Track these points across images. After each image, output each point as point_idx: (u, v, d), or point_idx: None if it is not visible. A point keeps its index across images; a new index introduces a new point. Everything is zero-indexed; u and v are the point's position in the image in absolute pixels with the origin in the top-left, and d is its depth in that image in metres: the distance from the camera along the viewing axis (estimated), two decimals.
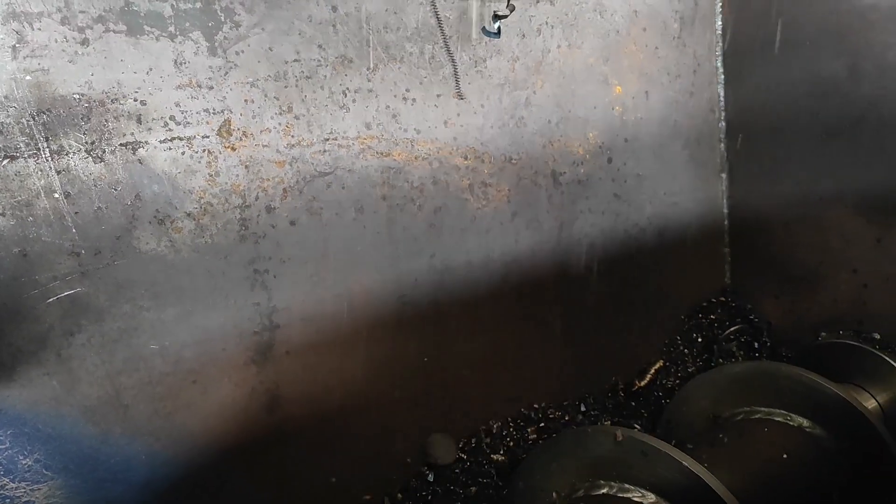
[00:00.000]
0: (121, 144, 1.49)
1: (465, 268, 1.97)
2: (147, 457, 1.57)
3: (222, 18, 1.57)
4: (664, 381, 2.31)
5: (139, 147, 1.51)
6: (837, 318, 2.26)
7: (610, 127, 2.18)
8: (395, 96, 1.81)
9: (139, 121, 1.50)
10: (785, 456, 1.86)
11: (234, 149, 1.61)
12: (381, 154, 1.81)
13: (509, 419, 2.08)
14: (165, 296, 1.57)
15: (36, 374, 1.45)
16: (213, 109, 1.58)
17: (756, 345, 2.40)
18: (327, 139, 1.73)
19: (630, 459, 1.66)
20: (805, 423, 1.94)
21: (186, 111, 1.55)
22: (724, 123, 2.44)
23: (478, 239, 1.98)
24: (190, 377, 1.61)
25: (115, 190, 1.49)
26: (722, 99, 2.42)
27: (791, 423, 1.94)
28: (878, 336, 2.17)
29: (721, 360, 2.36)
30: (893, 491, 1.90)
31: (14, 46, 1.36)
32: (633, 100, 2.21)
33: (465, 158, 1.94)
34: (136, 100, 1.49)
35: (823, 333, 2.29)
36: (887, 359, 2.11)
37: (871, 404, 2.12)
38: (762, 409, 1.99)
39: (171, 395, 1.59)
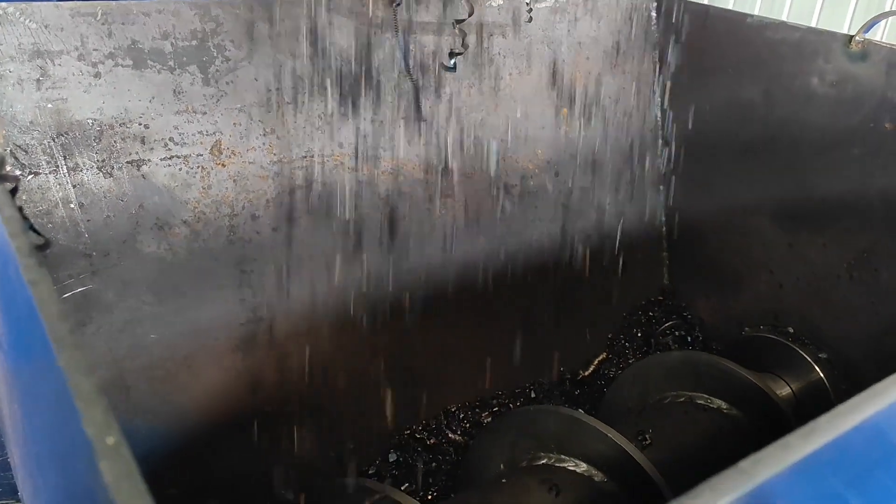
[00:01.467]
0: (127, 162, 1.74)
1: (426, 269, 2.24)
2: (146, 432, 1.82)
3: (215, 53, 1.82)
4: (606, 371, 2.59)
5: (143, 164, 1.76)
6: (758, 314, 2.55)
7: (557, 144, 2.46)
8: (364, 119, 2.07)
9: (143, 142, 1.75)
10: (703, 431, 2.14)
11: (224, 165, 1.87)
12: (352, 169, 2.07)
13: (467, 403, 2.34)
14: (164, 292, 1.82)
15: None
16: (207, 131, 1.84)
17: (689, 339, 2.68)
18: (305, 157, 1.99)
19: (566, 434, 1.93)
20: (723, 405, 2.23)
21: (183, 133, 1.80)
22: (661, 140, 2.73)
23: (438, 243, 2.25)
24: (185, 363, 1.86)
25: (122, 201, 1.74)
26: (659, 119, 2.71)
27: (710, 405, 2.22)
28: (791, 330, 2.46)
29: (658, 353, 2.64)
30: None
31: (38, 79, 1.61)
32: (577, 120, 2.50)
33: (427, 173, 2.21)
34: (140, 124, 1.75)
35: (747, 328, 2.58)
36: (799, 350, 2.40)
37: (785, 391, 2.41)
38: (687, 393, 2.27)
39: (168, 378, 1.84)
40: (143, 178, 1.76)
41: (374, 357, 2.18)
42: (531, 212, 2.44)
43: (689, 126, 2.66)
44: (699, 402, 2.25)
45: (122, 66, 1.71)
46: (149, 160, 1.77)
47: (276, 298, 1.98)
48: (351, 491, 1.70)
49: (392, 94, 2.11)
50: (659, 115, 2.70)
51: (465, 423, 2.29)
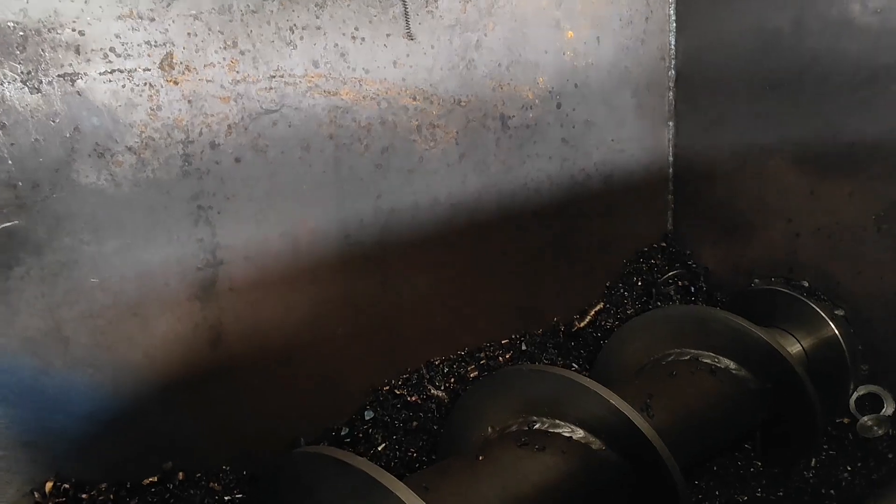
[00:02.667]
0: (58, 75, 1.46)
1: (412, 209, 2.00)
2: (88, 388, 1.59)
3: None
4: (603, 323, 2.39)
5: (77, 78, 1.48)
6: (770, 265, 2.35)
7: (560, 72, 2.20)
8: (343, 34, 1.79)
9: (77, 52, 1.47)
10: (710, 396, 1.96)
11: (176, 83, 1.59)
12: (329, 93, 1.80)
13: (451, 356, 2.14)
14: (106, 230, 1.56)
15: None
16: (155, 42, 1.55)
17: (693, 289, 2.49)
18: (273, 76, 1.71)
19: (562, 397, 1.73)
20: (732, 364, 2.04)
21: (127, 43, 1.52)
22: (673, 72, 2.47)
23: (424, 180, 2.00)
24: (131, 311, 1.62)
25: (53, 122, 1.47)
26: (672, 47, 2.44)
27: (718, 365, 2.04)
28: (806, 284, 2.26)
29: (659, 303, 2.44)
30: (810, 430, 2.03)
31: None
32: (584, 45, 2.22)
33: (414, 99, 1.94)
34: (74, 30, 1.46)
35: (756, 280, 2.38)
36: (813, 305, 2.22)
37: (795, 349, 2.23)
38: (692, 350, 2.08)
39: (111, 329, 1.61)
40: (79, 95, 1.49)
41: (350, 304, 1.95)
42: (529, 147, 2.18)
43: (706, 56, 2.39)
44: (705, 360, 2.06)
45: None
46: (85, 74, 1.49)
47: (239, 239, 1.74)
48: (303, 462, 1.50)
49: (377, 7, 1.83)
50: (672, 41, 2.43)
51: (450, 378, 2.09)
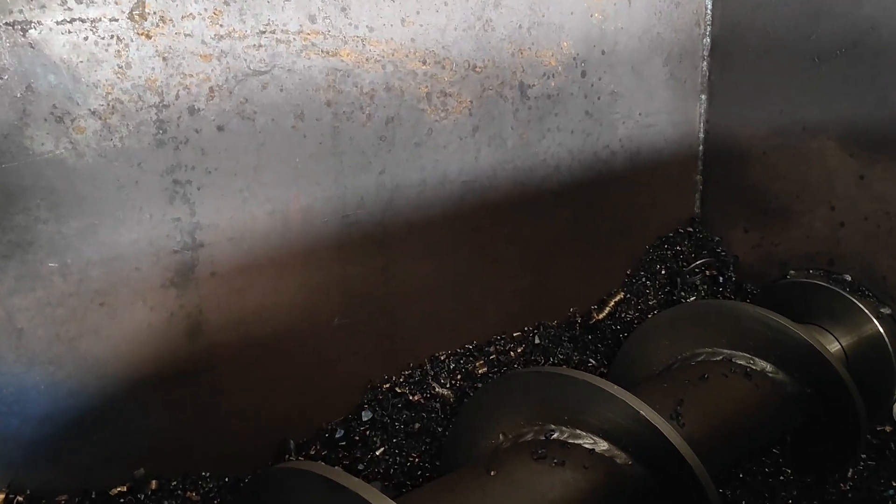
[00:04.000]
0: (6, 23, 1.23)
1: (418, 186, 1.78)
2: (47, 387, 1.39)
3: None
4: (623, 315, 2.19)
5: (30, 28, 1.25)
6: (808, 255, 2.15)
7: (587, 36, 1.97)
8: None
9: None
10: (746, 402, 1.77)
11: (149, 36, 1.37)
12: (327, 53, 1.57)
13: (458, 350, 1.94)
14: (66, 206, 1.35)
15: None
16: None
17: (721, 279, 2.28)
18: (263, 32, 1.49)
19: (583, 404, 1.53)
20: (768, 367, 1.85)
21: None
22: (708, 39, 2.24)
23: (434, 154, 1.79)
24: (97, 299, 1.41)
25: (1, 79, 1.24)
26: (709, 12, 2.21)
27: (754, 368, 1.84)
28: (848, 278, 2.06)
29: (684, 294, 2.24)
30: (852, 439, 1.84)
31: None
32: (614, 7, 1.99)
33: (424, 63, 1.71)
34: None
35: (792, 272, 2.18)
36: (856, 301, 2.02)
37: (834, 347, 2.04)
38: (724, 350, 1.88)
39: (74, 319, 1.40)
40: (31, 47, 1.26)
41: (347, 292, 1.74)
42: (549, 119, 1.96)
43: (744, 23, 2.16)
44: (739, 362, 1.87)
45: None
46: (39, 23, 1.26)
47: (222, 218, 1.52)
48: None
49: None
50: (709, 5, 2.20)
51: (456, 374, 1.89)
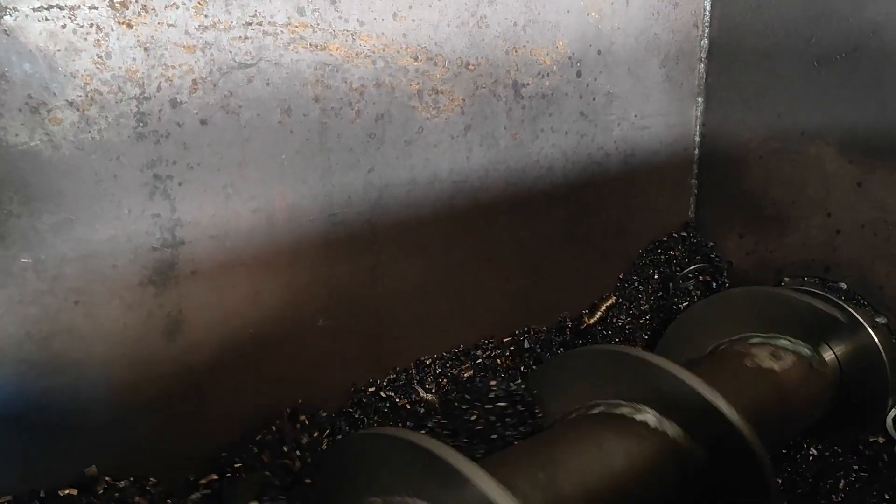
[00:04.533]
0: None
1: (408, 185, 1.74)
2: (18, 388, 1.34)
3: None
4: (615, 319, 2.16)
5: (5, 14, 1.20)
6: (804, 263, 2.11)
7: (583, 35, 1.93)
8: None
9: None
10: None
11: (130, 26, 1.32)
12: (316, 47, 1.53)
13: (445, 353, 1.90)
14: (41, 200, 1.30)
15: None
16: None
17: (714, 285, 2.25)
18: (250, 23, 1.44)
19: (648, 383, 1.55)
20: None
21: None
22: (706, 41, 2.20)
23: (424, 153, 1.74)
24: (71, 297, 1.36)
25: None
26: (708, 13, 2.17)
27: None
28: (844, 286, 2.03)
29: (676, 299, 2.20)
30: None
31: None
32: (611, 6, 1.95)
33: (416, 59, 1.67)
34: None
35: (786, 279, 2.15)
36: (851, 311, 1.98)
37: (828, 356, 2.00)
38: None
39: (47, 317, 1.35)
40: (6, 34, 1.21)
41: (332, 292, 1.70)
42: (543, 120, 1.92)
43: (743, 24, 2.13)
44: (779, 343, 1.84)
45: None
46: (14, 9, 1.21)
47: (204, 215, 1.47)
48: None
49: None
50: (707, 6, 2.16)
51: (442, 379, 1.85)
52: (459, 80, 1.74)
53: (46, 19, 1.24)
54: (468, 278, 1.92)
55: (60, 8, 1.25)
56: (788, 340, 1.86)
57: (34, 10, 1.23)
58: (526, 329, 2.04)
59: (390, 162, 1.69)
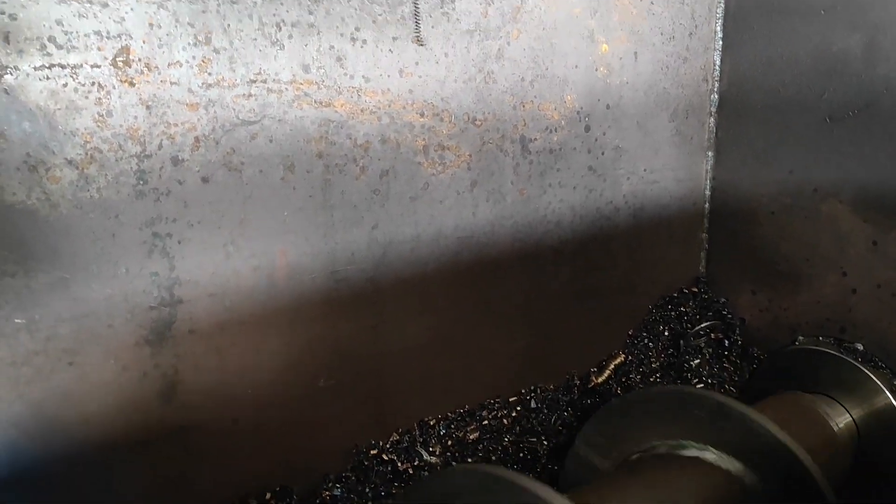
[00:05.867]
0: None
1: (412, 242, 1.71)
2: (8, 452, 1.30)
3: None
4: (624, 378, 2.10)
5: (5, 73, 1.19)
6: (819, 322, 2.06)
7: (591, 90, 1.91)
8: (341, 35, 1.50)
9: (6, 40, 1.18)
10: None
11: (132, 84, 1.30)
12: (321, 103, 1.51)
13: (449, 414, 1.84)
14: (37, 259, 1.27)
15: None
16: (108, 33, 1.27)
17: (726, 343, 2.19)
18: (254, 81, 1.43)
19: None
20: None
21: (71, 32, 1.23)
22: (716, 95, 2.18)
23: (429, 209, 1.71)
24: (65, 358, 1.33)
25: None
26: (717, 67, 2.16)
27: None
28: (860, 347, 1.97)
29: (688, 357, 2.15)
30: None
31: None
32: (620, 60, 1.93)
33: (421, 115, 1.65)
34: (3, 12, 1.17)
35: (801, 337, 2.09)
36: (867, 372, 1.92)
37: (844, 419, 1.94)
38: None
39: (40, 379, 1.31)
40: (6, 93, 1.20)
41: (334, 351, 1.66)
42: (551, 174, 1.89)
43: (754, 79, 2.11)
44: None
45: None
46: (15, 68, 1.20)
47: (203, 273, 1.44)
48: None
49: (383, 4, 1.54)
50: (717, 61, 2.15)
51: (446, 440, 1.80)
52: (466, 135, 1.72)
53: (48, 78, 1.23)
54: (473, 336, 1.87)
55: (62, 66, 1.24)
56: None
57: (35, 68, 1.21)
58: (532, 388, 1.99)
59: (395, 218, 1.66)
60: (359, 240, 1.62)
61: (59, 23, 1.22)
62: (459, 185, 1.74)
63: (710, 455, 1.54)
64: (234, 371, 1.52)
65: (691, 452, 1.57)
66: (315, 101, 1.50)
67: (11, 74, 1.20)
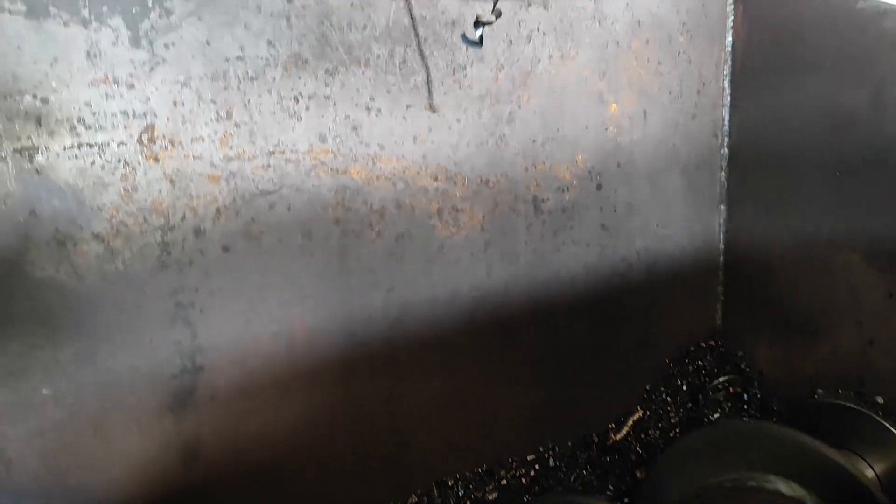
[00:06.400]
0: (14, 150, 1.23)
1: (428, 304, 1.73)
2: None
3: (150, 4, 1.31)
4: (643, 435, 2.09)
5: (37, 153, 1.25)
6: (838, 374, 2.05)
7: (602, 149, 1.95)
8: (356, 105, 1.56)
9: (39, 122, 1.24)
10: None
11: (157, 159, 1.36)
12: (337, 171, 1.56)
13: (467, 474, 1.85)
14: (64, 331, 1.31)
15: None
16: (134, 112, 1.32)
17: (745, 396, 2.18)
18: (273, 152, 1.47)
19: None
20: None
21: (99, 113, 1.29)
22: (726, 150, 2.21)
23: (445, 271, 1.74)
24: (90, 427, 1.36)
25: (5, 204, 1.23)
26: (726, 123, 2.19)
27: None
28: (881, 400, 1.95)
29: (707, 411, 2.14)
30: None
31: None
32: (629, 120, 1.98)
33: (435, 179, 1.69)
34: (35, 97, 1.23)
35: (820, 390, 2.07)
36: (889, 426, 1.90)
37: (868, 474, 1.92)
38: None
39: (66, 449, 1.34)
40: (38, 173, 1.25)
41: (352, 413, 1.68)
42: (564, 233, 1.92)
43: (763, 134, 2.14)
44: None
45: (9, 11, 1.19)
46: (46, 148, 1.25)
47: (224, 340, 1.48)
48: None
49: (396, 75, 1.59)
50: (727, 117, 2.18)
51: (465, 501, 1.79)
52: (479, 197, 1.76)
53: (76, 157, 1.28)
54: (490, 394, 1.89)
55: (90, 146, 1.29)
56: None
57: (65, 148, 1.27)
58: (550, 446, 1.99)
59: (410, 280, 1.69)
60: (376, 303, 1.65)
61: (87, 104, 1.28)
62: (473, 246, 1.78)
63: (777, 484, 1.67)
64: (254, 435, 1.54)
65: (757, 483, 1.69)
66: (331, 170, 1.55)
67: (42, 155, 1.25)
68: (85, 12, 1.25)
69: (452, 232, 1.74)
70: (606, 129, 1.94)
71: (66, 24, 1.24)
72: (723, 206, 2.24)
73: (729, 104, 2.18)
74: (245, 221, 1.46)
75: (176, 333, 1.42)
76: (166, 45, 1.33)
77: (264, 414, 1.55)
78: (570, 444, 2.02)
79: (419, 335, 1.73)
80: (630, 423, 2.08)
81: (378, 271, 1.64)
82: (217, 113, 1.40)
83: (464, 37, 1.58)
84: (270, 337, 1.53)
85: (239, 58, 1.40)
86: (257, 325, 1.51)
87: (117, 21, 1.28)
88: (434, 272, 1.73)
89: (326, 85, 1.51)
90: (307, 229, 1.54)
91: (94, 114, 1.29)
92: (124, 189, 1.33)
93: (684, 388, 2.18)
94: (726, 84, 2.15)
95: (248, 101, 1.43)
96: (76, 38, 1.25)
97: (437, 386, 1.78)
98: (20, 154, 1.23)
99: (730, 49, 2.14)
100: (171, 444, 1.45)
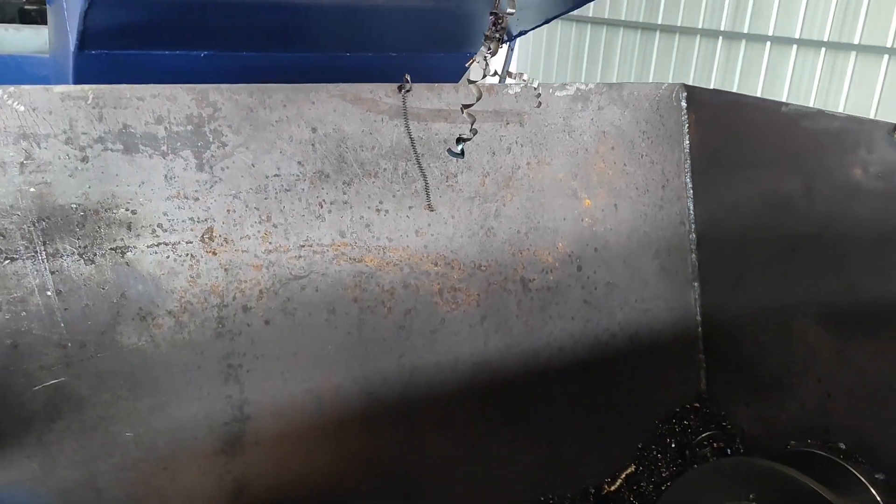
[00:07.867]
0: (111, 248, 1.66)
1: (434, 368, 2.08)
2: None
3: (211, 139, 1.77)
4: (637, 488, 2.35)
5: (127, 251, 1.68)
6: (805, 426, 2.30)
7: (579, 237, 2.32)
8: (368, 208, 1.98)
9: (129, 228, 1.68)
10: None
11: (214, 253, 1.78)
12: (354, 260, 1.96)
13: None
14: (142, 387, 1.70)
15: (17, 457, 1.58)
16: (198, 218, 1.76)
17: (729, 451, 2.43)
18: (303, 246, 1.89)
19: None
20: None
21: (173, 219, 1.73)
22: (694, 235, 2.56)
23: (447, 340, 2.10)
24: (161, 464, 1.72)
25: (103, 289, 1.65)
26: (691, 212, 2.55)
27: None
28: (843, 446, 2.19)
29: (695, 466, 2.39)
30: None
31: (22, 163, 1.56)
32: (602, 212, 2.36)
33: (436, 265, 2.08)
34: (127, 209, 1.68)
35: (792, 442, 2.32)
36: (852, 469, 2.14)
37: None
38: None
39: (142, 481, 1.70)
40: (127, 265, 1.68)
41: (373, 460, 2.01)
42: (551, 308, 2.27)
43: (723, 220, 2.49)
44: None
45: (111, 150, 1.66)
46: (134, 247, 1.69)
47: (266, 396, 1.85)
48: None
49: (400, 183, 2.02)
50: (691, 207, 2.55)
51: None
52: (473, 279, 2.14)
53: (156, 252, 1.71)
54: (494, 448, 2.19)
55: (166, 244, 1.72)
56: None
57: (148, 246, 1.70)
58: (551, 496, 2.27)
59: (417, 349, 2.05)
60: (389, 366, 2.01)
61: (164, 214, 1.72)
62: (471, 319, 2.14)
63: None
64: (291, 476, 1.88)
65: None
66: (350, 258, 1.95)
67: (132, 252, 1.68)
68: (164, 147, 1.71)
69: (452, 308, 2.11)
70: (582, 220, 2.32)
71: (150, 156, 1.70)
72: (696, 284, 2.57)
73: (692, 196, 2.55)
74: (282, 300, 1.86)
75: (228, 389, 1.80)
76: (222, 168, 1.78)
77: (299, 458, 1.89)
78: (569, 495, 2.29)
79: (428, 395, 2.07)
80: (623, 476, 2.35)
81: (390, 340, 2.01)
82: (259, 217, 1.83)
83: (449, 150, 2.00)
84: (303, 393, 1.89)
85: (276, 175, 1.84)
86: (292, 384, 1.88)
87: (187, 153, 1.74)
88: (438, 341, 2.09)
89: (344, 193, 1.94)
90: (331, 307, 1.93)
91: (169, 220, 1.72)
92: (190, 276, 1.75)
93: (673, 445, 2.45)
94: (688, 179, 2.53)
95: (283, 207, 1.86)
96: (157, 166, 1.71)
97: (446, 438, 2.11)
98: (115, 251, 1.67)
99: (688, 150, 2.54)
100: (223, 480, 1.80)
